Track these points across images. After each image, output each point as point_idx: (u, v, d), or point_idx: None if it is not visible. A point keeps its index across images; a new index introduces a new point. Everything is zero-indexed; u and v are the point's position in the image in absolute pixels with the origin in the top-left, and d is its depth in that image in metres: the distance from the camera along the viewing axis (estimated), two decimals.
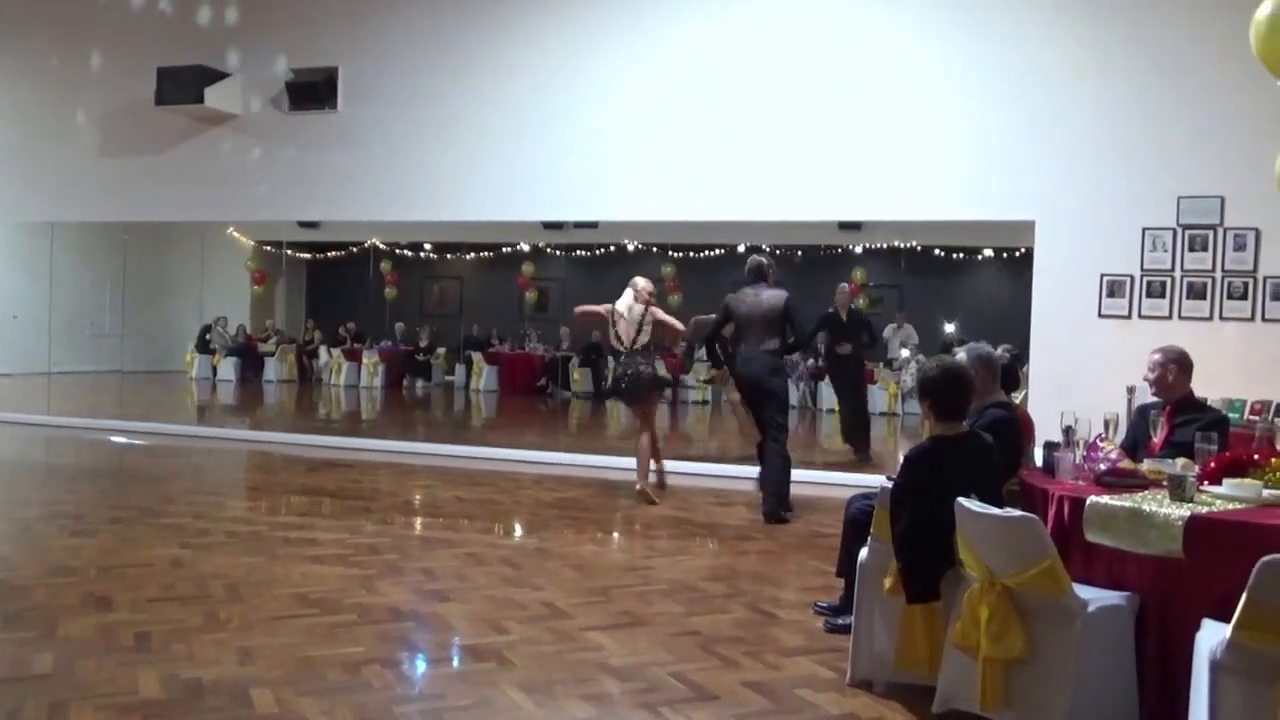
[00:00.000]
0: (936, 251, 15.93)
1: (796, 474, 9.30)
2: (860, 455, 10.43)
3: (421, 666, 4.25)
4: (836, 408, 11.68)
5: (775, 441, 7.49)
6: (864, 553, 4.19)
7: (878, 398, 15.97)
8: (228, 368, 18.18)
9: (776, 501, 7.39)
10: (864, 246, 16.41)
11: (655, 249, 17.69)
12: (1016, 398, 5.46)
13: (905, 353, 15.54)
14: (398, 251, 18.20)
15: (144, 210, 11.65)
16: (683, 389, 16.75)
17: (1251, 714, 2.88)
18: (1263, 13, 5.12)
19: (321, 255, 18.39)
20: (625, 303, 8.24)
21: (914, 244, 15.54)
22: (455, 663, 4.29)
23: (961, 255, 16.38)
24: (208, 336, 18.19)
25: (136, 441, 10.83)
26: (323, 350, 18.80)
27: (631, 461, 8.30)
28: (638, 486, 7.95)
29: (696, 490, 8.63)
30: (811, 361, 15.02)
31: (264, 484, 9.05)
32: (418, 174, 10.35)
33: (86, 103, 11.59)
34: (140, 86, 10.95)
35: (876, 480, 4.40)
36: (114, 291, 15.16)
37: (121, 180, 11.45)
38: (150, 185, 11.34)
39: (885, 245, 15.95)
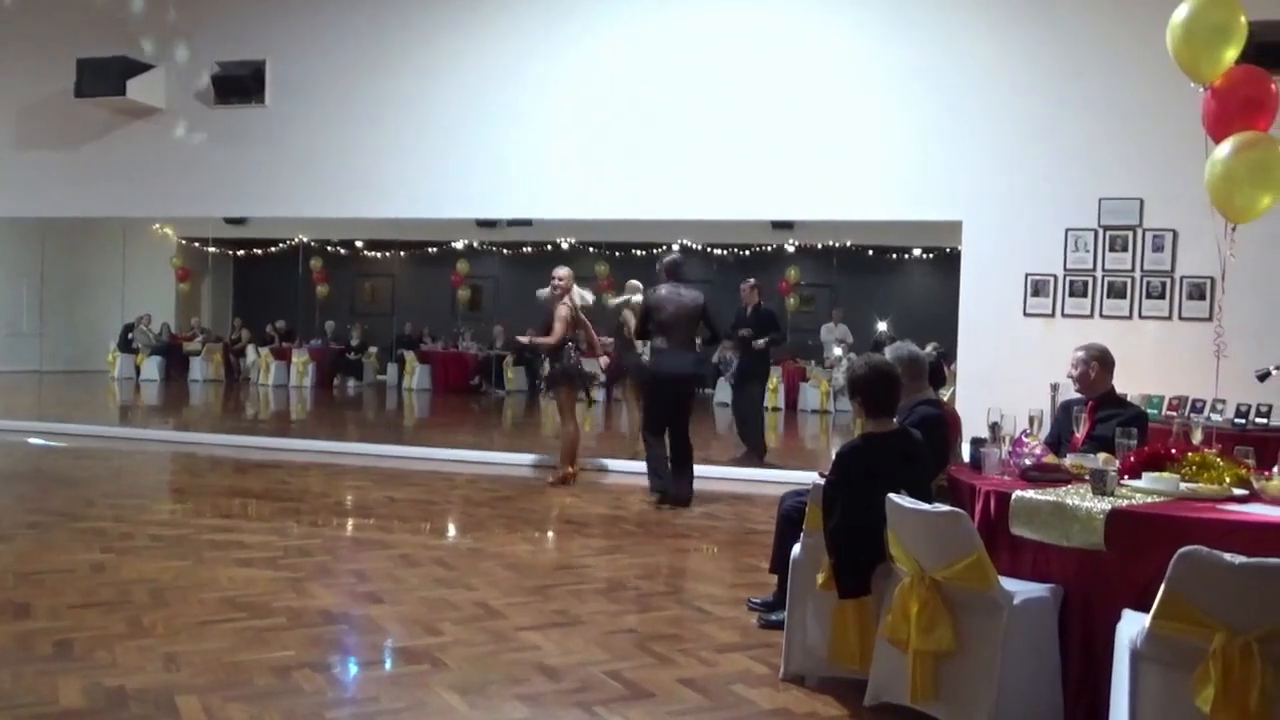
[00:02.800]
0: (868, 251, 16.16)
1: (732, 472, 9.45)
2: (752, 450, 10.22)
3: (354, 670, 4.19)
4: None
5: (685, 437, 7.77)
6: (797, 549, 4.23)
7: (810, 395, 16.16)
8: (151, 367, 17.75)
9: (688, 485, 7.72)
10: (796, 245, 16.58)
11: (590, 247, 17.67)
12: (944, 395, 5.56)
13: (838, 351, 15.72)
14: (328, 248, 17.92)
15: (63, 205, 11.30)
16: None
17: (1170, 701, 2.97)
18: (1178, 17, 5.28)
19: (249, 252, 18.04)
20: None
21: (846, 243, 15.75)
22: (388, 665, 4.24)
23: (892, 255, 16.63)
24: (130, 335, 17.74)
25: (56, 443, 10.52)
26: (250, 349, 18.45)
27: (554, 459, 8.28)
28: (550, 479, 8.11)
29: (631, 489, 8.63)
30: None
31: (189, 486, 8.85)
32: (348, 170, 10.19)
33: (2, 94, 11.21)
34: (59, 77, 10.62)
35: (810, 477, 4.44)
36: (31, 289, 14.71)
37: (39, 175, 11.10)
38: (69, 180, 11.01)
39: (817, 244, 16.14)
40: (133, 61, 10.47)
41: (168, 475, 9.58)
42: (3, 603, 4.80)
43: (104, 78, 10.37)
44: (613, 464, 9.57)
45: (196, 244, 17.49)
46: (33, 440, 10.66)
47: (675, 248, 9.75)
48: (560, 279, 8.39)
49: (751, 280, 10.72)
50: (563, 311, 8.29)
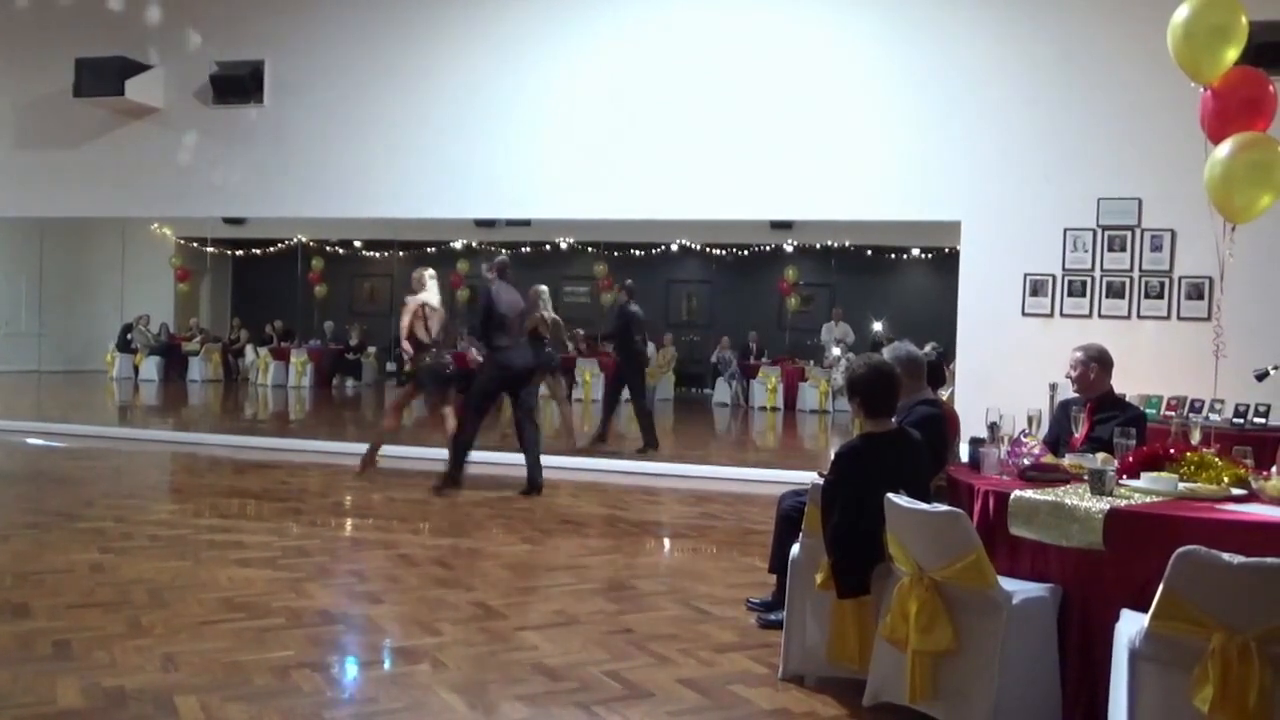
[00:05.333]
0: (867, 251, 16.17)
1: (731, 472, 9.46)
2: (646, 443, 10.56)
3: (352, 670, 4.19)
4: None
5: (534, 423, 8.28)
6: (795, 549, 4.23)
7: (809, 395, 16.16)
8: (150, 367, 17.75)
9: (538, 471, 8.11)
10: (795, 245, 16.60)
11: (588, 247, 17.68)
12: (943, 394, 5.56)
13: (836, 350, 15.73)
14: (327, 249, 17.93)
15: (62, 205, 11.30)
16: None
17: (1169, 700, 2.97)
18: (1178, 17, 5.29)
19: (248, 252, 18.05)
20: (434, 297, 8.79)
21: (845, 243, 15.77)
22: (387, 665, 4.24)
23: (891, 254, 16.65)
24: (129, 335, 17.73)
25: (55, 444, 10.51)
26: (249, 349, 18.44)
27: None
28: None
29: (629, 489, 8.64)
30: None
31: (188, 486, 8.85)
32: (347, 170, 10.19)
33: (1, 93, 11.21)
34: (58, 77, 10.62)
35: (809, 477, 4.45)
36: (30, 289, 14.70)
37: (38, 174, 11.10)
38: (68, 179, 11.01)
39: (816, 245, 16.15)
40: (131, 61, 10.47)
41: (166, 475, 9.58)
42: (1, 603, 4.79)
43: (103, 77, 10.37)
44: (607, 464, 9.60)
45: (195, 244, 17.49)
46: (31, 440, 10.66)
47: (529, 246, 10.50)
48: (416, 278, 8.80)
49: (629, 281, 11.39)
50: (412, 305, 8.64)
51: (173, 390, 17.33)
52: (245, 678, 3.93)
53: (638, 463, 9.88)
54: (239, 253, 18.29)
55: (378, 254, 18.45)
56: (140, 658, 4.11)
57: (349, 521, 7.33)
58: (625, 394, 10.90)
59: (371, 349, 18.51)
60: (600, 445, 10.69)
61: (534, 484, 8.10)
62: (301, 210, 10.95)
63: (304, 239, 17.10)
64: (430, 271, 8.92)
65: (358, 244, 18.20)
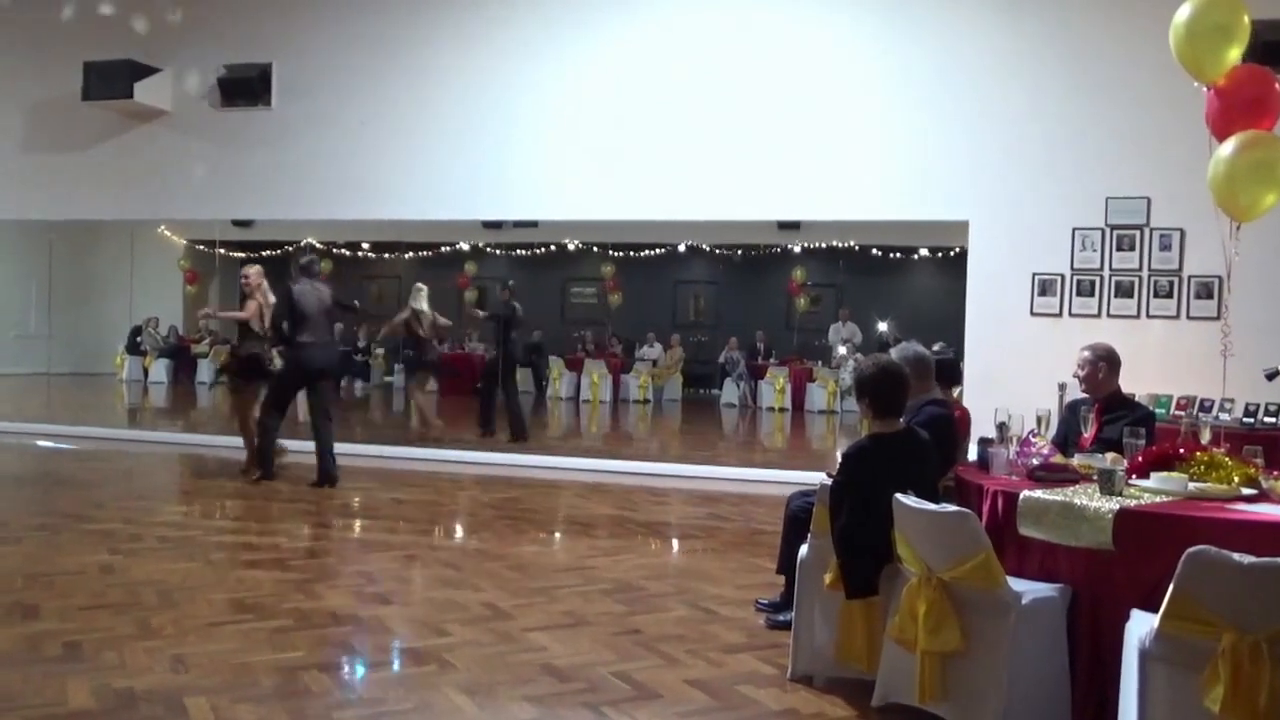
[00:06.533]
0: (874, 251, 16.15)
1: (739, 472, 9.47)
2: (514, 435, 11.06)
3: (361, 671, 4.20)
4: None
5: (329, 418, 8.51)
6: (804, 549, 4.23)
7: (816, 396, 16.15)
8: (159, 369, 17.79)
9: (332, 463, 8.34)
10: (803, 246, 16.58)
11: (595, 248, 17.69)
12: (956, 393, 5.55)
13: (843, 350, 15.71)
14: (334, 251, 17.94)
15: (71, 208, 11.33)
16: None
17: (1179, 701, 2.96)
18: (1180, 17, 5.27)
19: (256, 254, 18.06)
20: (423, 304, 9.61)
21: (852, 244, 15.74)
22: (395, 666, 4.24)
23: (898, 255, 16.62)
24: (138, 338, 17.78)
25: (64, 446, 10.55)
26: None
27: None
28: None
29: (637, 489, 8.64)
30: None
31: (197, 488, 8.87)
32: (354, 172, 10.21)
33: (9, 97, 11.25)
34: (66, 80, 10.65)
35: (817, 478, 4.44)
36: (40, 291, 14.73)
37: (47, 177, 11.14)
38: (77, 182, 11.05)
39: (824, 245, 16.13)
40: (139, 65, 10.50)
41: (176, 477, 9.61)
42: (12, 604, 4.81)
43: (111, 81, 10.41)
44: (615, 465, 9.60)
45: (203, 246, 17.51)
46: (41, 442, 10.69)
47: (307, 249, 11.28)
48: (248, 276, 8.90)
49: (510, 282, 12.57)
50: (251, 306, 8.76)
51: (182, 392, 17.38)
52: (254, 679, 3.93)
53: (645, 463, 9.88)
54: (247, 255, 18.30)
55: (385, 256, 18.47)
56: (150, 659, 4.12)
57: (357, 523, 7.34)
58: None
59: (379, 350, 18.53)
60: (487, 436, 11.14)
61: (326, 475, 8.27)
62: (309, 213, 10.98)
63: (312, 241, 17.12)
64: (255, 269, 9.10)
65: (365, 246, 18.23)
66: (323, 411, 8.49)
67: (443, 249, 17.91)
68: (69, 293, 15.39)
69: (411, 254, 18.30)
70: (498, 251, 17.96)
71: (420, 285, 11.26)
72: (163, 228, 16.04)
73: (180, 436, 11.67)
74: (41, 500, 7.70)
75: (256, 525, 6.88)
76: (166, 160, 10.74)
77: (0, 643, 4.27)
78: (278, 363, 8.40)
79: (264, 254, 17.85)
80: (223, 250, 17.88)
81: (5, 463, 9.77)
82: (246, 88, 10.39)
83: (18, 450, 10.35)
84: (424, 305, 10.94)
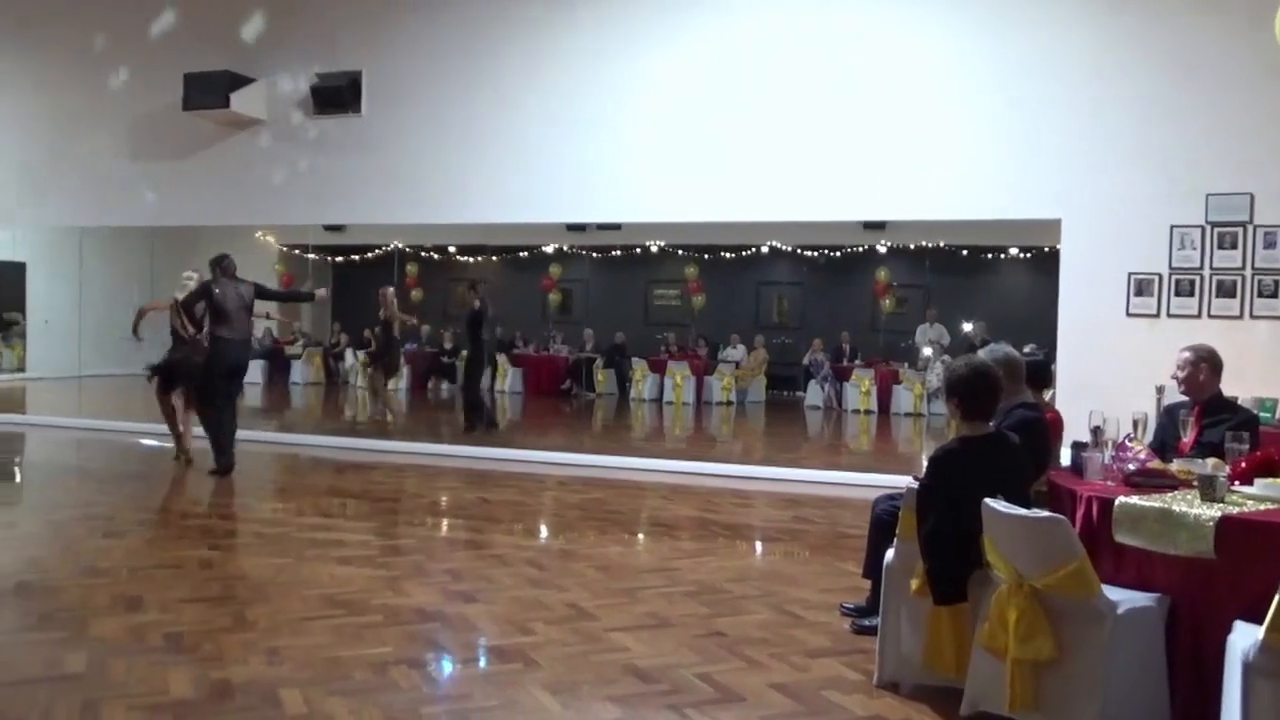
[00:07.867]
0: (962, 251, 15.85)
1: (823, 475, 9.39)
2: (485, 425, 12.01)
3: (448, 667, 4.26)
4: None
5: (233, 411, 9.04)
6: (890, 554, 4.17)
7: (903, 398, 15.90)
8: (255, 370, 18.28)
9: (230, 456, 8.80)
10: (888, 246, 16.34)
11: (678, 250, 17.70)
12: (1047, 396, 5.42)
13: (929, 351, 15.44)
14: (422, 254, 18.27)
15: (172, 214, 11.75)
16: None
17: None
18: None
19: (347, 258, 18.49)
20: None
21: (939, 243, 15.47)
22: (481, 663, 4.30)
23: (987, 254, 16.29)
24: None
25: (167, 444, 10.90)
26: (348, 353, 18.89)
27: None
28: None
29: (720, 491, 8.61)
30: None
31: (291, 486, 9.11)
32: (441, 177, 10.39)
33: (114, 108, 11.70)
34: (167, 92, 11.05)
35: (903, 481, 4.38)
36: (142, 295, 15.21)
37: (149, 184, 11.56)
38: (177, 189, 11.45)
39: (910, 245, 15.88)
40: (236, 75, 10.84)
41: (270, 475, 9.87)
42: (117, 596, 5.00)
43: (209, 91, 10.77)
44: (698, 467, 9.58)
45: (297, 251, 17.99)
46: (145, 441, 11.09)
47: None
48: (187, 277, 9.61)
49: (482, 283, 13.12)
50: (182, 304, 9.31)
51: (276, 392, 17.85)
52: (346, 673, 4.02)
53: (729, 465, 9.85)
54: (339, 259, 18.75)
55: (471, 259, 18.74)
56: (246, 651, 4.24)
57: (444, 522, 7.46)
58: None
59: (464, 352, 18.79)
60: (473, 430, 11.90)
61: (223, 465, 8.75)
62: (398, 217, 11.21)
63: (401, 245, 17.46)
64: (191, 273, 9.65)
65: (452, 249, 18.51)
66: (229, 405, 9.03)
67: (527, 252, 18.11)
68: (168, 296, 15.89)
69: (497, 256, 18.54)
70: (581, 253, 18.09)
71: (389, 287, 12.78)
72: (259, 233, 16.50)
73: (275, 435, 11.98)
74: (145, 496, 7.99)
75: (347, 523, 7.04)
76: (261, 167, 11.06)
77: (107, 632, 4.45)
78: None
79: (353, 258, 18.31)
80: (316, 254, 18.35)
81: (111, 461, 10.17)
82: (337, 96, 10.64)
83: (122, 448, 10.76)
84: (394, 309, 12.60)
